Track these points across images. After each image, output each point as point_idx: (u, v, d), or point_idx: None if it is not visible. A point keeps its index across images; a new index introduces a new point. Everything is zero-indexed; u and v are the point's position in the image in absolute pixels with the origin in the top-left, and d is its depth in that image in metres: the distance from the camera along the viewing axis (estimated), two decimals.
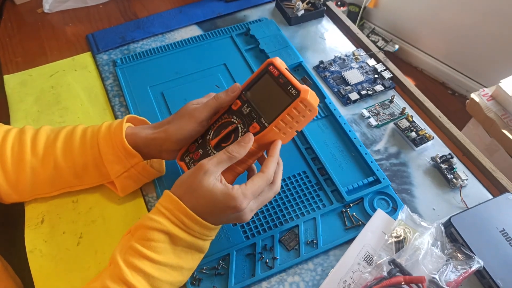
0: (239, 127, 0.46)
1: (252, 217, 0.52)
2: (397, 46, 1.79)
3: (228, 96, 0.48)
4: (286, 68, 0.47)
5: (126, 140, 0.48)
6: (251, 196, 0.42)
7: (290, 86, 0.44)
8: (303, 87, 0.44)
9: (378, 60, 0.71)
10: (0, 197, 0.51)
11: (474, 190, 0.56)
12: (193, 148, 0.49)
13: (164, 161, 0.57)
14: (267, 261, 0.49)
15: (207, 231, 0.43)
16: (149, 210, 0.54)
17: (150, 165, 0.53)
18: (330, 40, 0.76)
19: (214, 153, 0.45)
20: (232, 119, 0.48)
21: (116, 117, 0.64)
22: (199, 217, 0.41)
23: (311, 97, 0.44)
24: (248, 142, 0.43)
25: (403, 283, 0.44)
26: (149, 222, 0.41)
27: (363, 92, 0.66)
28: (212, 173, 0.41)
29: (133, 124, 0.54)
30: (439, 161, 0.57)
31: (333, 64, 0.71)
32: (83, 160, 0.50)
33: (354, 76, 0.68)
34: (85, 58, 0.73)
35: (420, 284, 0.43)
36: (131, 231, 0.43)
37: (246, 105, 0.47)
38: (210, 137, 0.48)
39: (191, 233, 0.42)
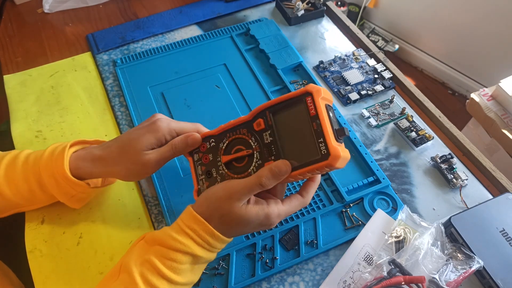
0: (255, 156, 0.42)
1: None
2: (397, 46, 1.79)
3: (187, 148, 0.46)
4: (327, 106, 0.40)
5: (70, 169, 0.46)
6: (284, 216, 0.42)
7: (321, 140, 0.38)
8: (335, 149, 0.37)
9: (378, 60, 0.71)
10: None
11: (474, 190, 0.56)
12: (204, 148, 0.47)
13: None
14: (267, 261, 0.49)
15: (224, 245, 0.42)
16: (149, 210, 0.54)
17: (103, 183, 0.52)
18: (330, 40, 0.76)
19: (225, 171, 0.44)
20: (251, 141, 0.43)
21: (116, 117, 0.64)
22: (224, 236, 0.41)
23: (341, 161, 0.38)
24: (283, 174, 0.39)
25: (403, 283, 0.44)
26: (172, 242, 0.39)
27: (363, 92, 0.66)
28: (242, 200, 0.40)
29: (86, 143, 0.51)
30: (439, 161, 0.57)
31: (333, 64, 0.71)
32: (28, 187, 0.47)
33: (354, 76, 0.68)
34: (85, 58, 0.73)
35: (420, 284, 0.43)
36: (145, 240, 0.41)
37: (269, 132, 0.42)
38: (223, 147, 0.45)
39: (213, 251, 0.41)
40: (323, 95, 0.40)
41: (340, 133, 0.39)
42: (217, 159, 0.45)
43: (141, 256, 0.39)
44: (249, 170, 0.42)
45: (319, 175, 0.45)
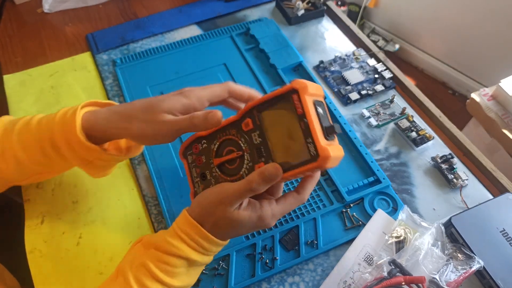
0: (246, 157, 0.41)
1: None
2: (397, 46, 1.79)
3: (206, 124, 0.41)
4: (316, 101, 0.38)
5: (83, 130, 0.43)
6: (280, 216, 0.41)
7: (310, 140, 0.36)
8: (324, 150, 0.35)
9: (378, 60, 0.71)
10: None
11: (474, 190, 0.56)
12: (197, 150, 0.46)
13: None
14: (267, 261, 0.49)
15: (220, 247, 0.42)
16: (149, 211, 0.54)
17: (127, 151, 0.48)
18: (330, 40, 0.76)
19: (218, 173, 0.43)
20: (240, 142, 0.42)
21: None
22: (219, 240, 0.40)
23: (332, 161, 0.36)
24: (274, 179, 0.38)
25: (403, 283, 0.44)
26: (166, 246, 0.39)
27: (364, 92, 0.66)
28: (234, 205, 0.39)
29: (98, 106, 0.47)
30: (440, 161, 0.57)
31: (333, 64, 0.71)
32: (42, 151, 0.45)
33: (354, 76, 0.68)
34: (85, 58, 0.73)
35: (420, 285, 0.43)
36: (142, 243, 0.41)
37: (257, 132, 0.40)
38: (215, 148, 0.44)
39: (208, 254, 0.41)
40: (310, 91, 0.38)
41: (330, 131, 0.37)
42: (210, 161, 0.45)
43: (137, 260, 0.39)
44: (241, 173, 0.42)
45: (318, 171, 0.43)
